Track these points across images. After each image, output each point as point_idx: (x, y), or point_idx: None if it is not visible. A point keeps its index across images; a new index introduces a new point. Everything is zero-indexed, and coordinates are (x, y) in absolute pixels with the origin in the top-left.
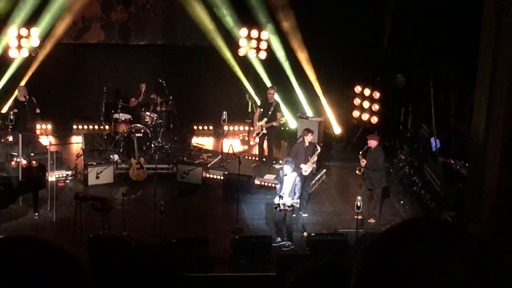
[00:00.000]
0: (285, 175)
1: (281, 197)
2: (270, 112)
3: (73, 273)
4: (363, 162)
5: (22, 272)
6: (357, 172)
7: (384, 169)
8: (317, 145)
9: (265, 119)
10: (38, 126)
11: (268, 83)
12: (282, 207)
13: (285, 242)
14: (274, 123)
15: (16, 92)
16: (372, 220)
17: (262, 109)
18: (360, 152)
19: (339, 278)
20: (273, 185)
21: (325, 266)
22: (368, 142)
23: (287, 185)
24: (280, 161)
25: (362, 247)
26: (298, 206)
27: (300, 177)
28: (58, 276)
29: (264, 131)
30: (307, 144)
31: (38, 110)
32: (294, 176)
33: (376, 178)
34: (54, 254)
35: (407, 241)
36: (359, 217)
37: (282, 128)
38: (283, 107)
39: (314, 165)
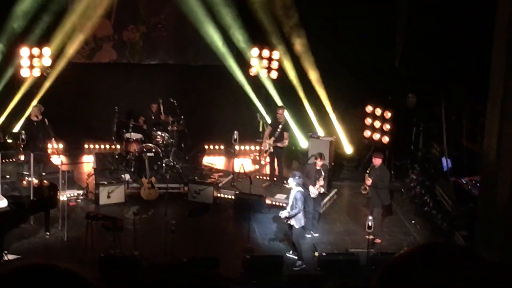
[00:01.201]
0: (290, 188)
1: (286, 209)
2: (278, 131)
3: None
4: (369, 181)
5: None
6: (362, 191)
7: (387, 188)
8: (322, 171)
9: (273, 138)
10: (49, 145)
11: (279, 103)
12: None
13: (297, 260)
14: (279, 144)
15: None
16: (378, 240)
17: (272, 128)
18: (368, 171)
19: None
20: (284, 204)
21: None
22: (373, 160)
23: (290, 198)
24: None
25: (376, 272)
26: (303, 225)
27: (302, 193)
28: None
29: (271, 150)
30: (318, 167)
31: (53, 142)
32: (296, 190)
33: (378, 196)
34: (73, 282)
35: (422, 267)
36: (370, 237)
37: (293, 148)
38: (294, 126)
39: (322, 189)
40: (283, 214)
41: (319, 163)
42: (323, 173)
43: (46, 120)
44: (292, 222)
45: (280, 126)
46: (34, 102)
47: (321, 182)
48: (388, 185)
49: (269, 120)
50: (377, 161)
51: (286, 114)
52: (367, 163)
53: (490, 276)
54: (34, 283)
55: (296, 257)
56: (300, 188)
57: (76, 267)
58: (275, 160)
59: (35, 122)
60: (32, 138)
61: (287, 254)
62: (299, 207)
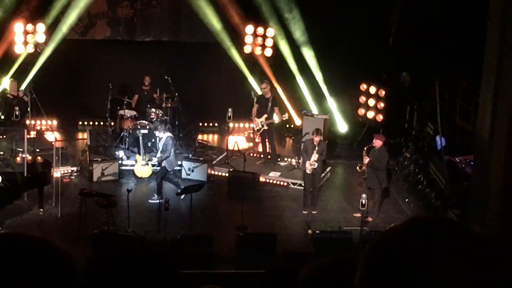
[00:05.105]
0: (160, 137)
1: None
2: (268, 108)
3: (64, 271)
4: (366, 159)
5: (12, 270)
6: (357, 169)
7: (385, 170)
8: (317, 146)
9: (265, 116)
10: (38, 121)
11: (274, 80)
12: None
13: (158, 200)
14: (276, 121)
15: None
16: (369, 218)
17: (258, 105)
18: (365, 148)
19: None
20: (278, 182)
21: (339, 262)
22: (373, 141)
23: (160, 144)
24: (285, 158)
25: (366, 245)
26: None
27: (171, 138)
28: (49, 274)
29: (265, 127)
30: (315, 143)
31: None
32: (166, 136)
33: (377, 178)
34: (44, 251)
35: (411, 240)
36: (358, 215)
37: (287, 125)
38: (288, 104)
39: (316, 164)
40: (155, 159)
41: (316, 138)
42: (316, 148)
43: (25, 96)
44: (165, 163)
45: (270, 103)
46: (28, 79)
47: (314, 157)
48: (385, 167)
49: None
50: (377, 143)
51: (280, 91)
52: (361, 141)
53: (481, 250)
54: (6, 251)
55: (156, 196)
56: (169, 134)
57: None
58: (267, 138)
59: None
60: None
61: (149, 201)
62: (169, 150)
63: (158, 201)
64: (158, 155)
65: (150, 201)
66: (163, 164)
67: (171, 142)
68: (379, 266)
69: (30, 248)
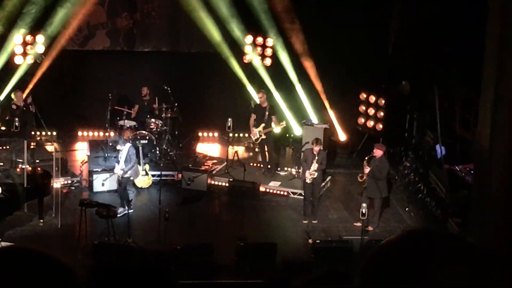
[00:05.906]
0: (121, 150)
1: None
2: (265, 117)
3: (65, 285)
4: (367, 169)
5: (13, 285)
6: (358, 178)
7: (386, 180)
8: (317, 155)
9: (263, 125)
10: (38, 132)
11: (273, 90)
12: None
13: (126, 211)
14: (274, 130)
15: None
16: (370, 228)
17: (255, 114)
18: (366, 158)
19: (343, 286)
20: (278, 191)
21: (330, 275)
22: (374, 151)
23: (123, 156)
24: (285, 168)
25: (364, 257)
26: (127, 172)
27: (134, 147)
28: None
29: (264, 136)
30: (315, 152)
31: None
32: (127, 146)
33: (378, 188)
34: (45, 265)
35: (408, 251)
36: (358, 224)
37: (287, 135)
38: (287, 113)
39: (315, 174)
40: (118, 170)
41: (315, 148)
42: (316, 157)
43: (31, 107)
44: (128, 174)
45: (267, 112)
46: (28, 90)
47: (314, 167)
48: (385, 177)
49: None
50: (378, 153)
51: (280, 100)
52: (361, 151)
53: (477, 261)
54: (9, 265)
55: (125, 211)
56: (129, 144)
57: (52, 252)
58: (265, 147)
59: (24, 108)
60: (22, 125)
61: (118, 215)
62: (134, 160)
63: (126, 212)
64: (122, 165)
65: (118, 215)
66: (128, 175)
67: (134, 152)
68: (377, 277)
69: (31, 262)
